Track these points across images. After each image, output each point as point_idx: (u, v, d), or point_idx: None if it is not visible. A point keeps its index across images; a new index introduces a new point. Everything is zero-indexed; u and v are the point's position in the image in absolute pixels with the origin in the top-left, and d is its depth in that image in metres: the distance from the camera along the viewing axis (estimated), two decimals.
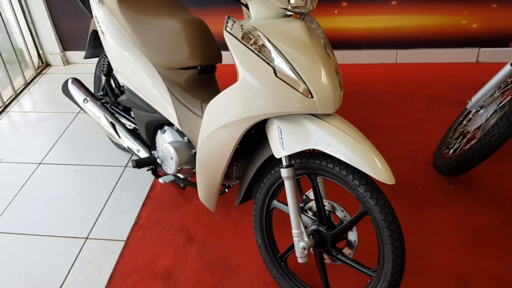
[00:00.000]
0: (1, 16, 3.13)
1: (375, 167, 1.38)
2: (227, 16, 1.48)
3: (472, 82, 2.91)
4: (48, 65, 3.56)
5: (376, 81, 3.06)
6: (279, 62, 1.40)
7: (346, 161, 1.40)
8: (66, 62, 3.55)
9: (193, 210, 2.17)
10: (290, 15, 1.48)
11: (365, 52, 3.21)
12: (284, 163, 1.53)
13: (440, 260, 1.85)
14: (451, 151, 2.19)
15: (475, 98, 2.11)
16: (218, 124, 1.60)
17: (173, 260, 1.94)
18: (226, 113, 1.56)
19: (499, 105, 2.00)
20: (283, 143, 1.50)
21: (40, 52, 3.49)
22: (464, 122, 2.26)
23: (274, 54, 1.40)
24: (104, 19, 2.09)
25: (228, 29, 1.46)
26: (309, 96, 1.40)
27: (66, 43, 3.48)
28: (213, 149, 1.68)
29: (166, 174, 1.99)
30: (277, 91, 1.41)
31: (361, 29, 3.13)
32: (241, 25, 1.44)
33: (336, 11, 3.07)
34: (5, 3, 3.22)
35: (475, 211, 2.06)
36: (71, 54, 3.52)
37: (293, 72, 1.39)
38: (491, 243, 1.91)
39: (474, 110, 2.16)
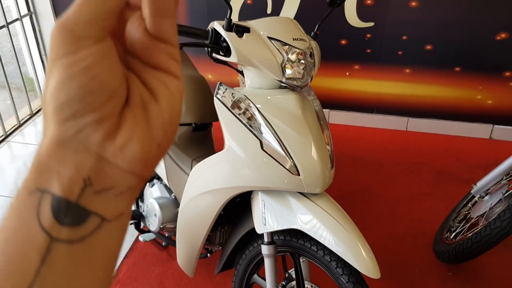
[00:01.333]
0: (13, 45, 3.16)
1: (360, 257, 1.28)
2: (219, 82, 1.44)
3: (483, 159, 2.81)
4: None
5: (384, 147, 2.97)
6: (267, 135, 1.34)
7: (329, 247, 1.31)
8: None
9: (175, 269, 2.07)
10: (285, 87, 1.43)
11: (375, 116, 3.14)
12: (265, 239, 1.45)
13: None
14: (453, 235, 2.07)
15: (480, 184, 2.00)
16: (202, 190, 1.53)
17: None
18: (211, 179, 1.49)
19: (505, 194, 1.89)
20: (265, 218, 1.42)
21: None
22: (469, 205, 2.14)
23: (263, 127, 1.34)
24: None
25: (219, 96, 1.41)
26: (296, 174, 1.32)
27: None
28: (195, 213, 1.60)
29: (149, 229, 1.91)
30: (263, 165, 1.34)
31: (372, 93, 3.07)
32: (232, 93, 1.39)
33: (347, 73, 3.03)
34: (19, 32, 3.26)
35: None
36: None
37: (281, 147, 1.32)
38: None
39: (479, 196, 2.05)
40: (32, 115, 3.31)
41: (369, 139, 3.07)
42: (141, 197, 2.02)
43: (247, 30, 1.34)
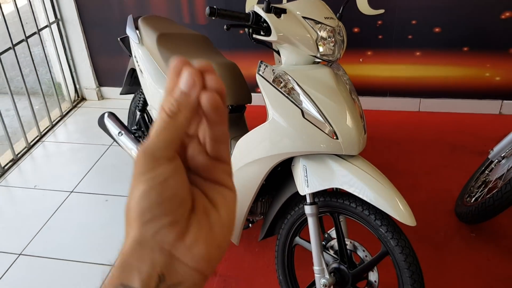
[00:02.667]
0: (44, 51, 3.34)
1: (397, 208, 1.43)
2: (260, 61, 1.60)
3: (494, 133, 2.95)
4: (83, 99, 3.74)
5: (399, 128, 3.13)
6: (307, 104, 1.49)
7: (368, 201, 1.46)
8: (101, 97, 3.72)
9: None
10: (318, 62, 1.58)
11: (389, 99, 3.30)
12: (308, 200, 1.60)
13: None
14: (473, 199, 2.21)
15: (497, 148, 2.15)
16: (246, 161, 1.69)
17: None
18: (255, 150, 1.65)
19: None
20: (307, 181, 1.57)
21: (77, 86, 3.68)
22: (486, 172, 2.29)
23: (302, 97, 1.50)
24: (143, 58, 2.24)
25: (260, 72, 1.57)
26: (334, 137, 1.48)
27: (102, 79, 3.67)
28: (240, 184, 1.75)
29: None
30: (304, 131, 1.50)
31: (385, 77, 3.23)
32: (273, 70, 1.55)
33: (361, 60, 3.19)
34: (47, 39, 3.44)
35: (496, 260, 2.07)
36: (105, 90, 3.70)
37: (320, 114, 1.48)
38: None
39: (496, 160, 2.20)
40: (62, 117, 3.48)
41: (384, 121, 3.22)
42: None
43: (284, 11, 1.51)
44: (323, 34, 1.53)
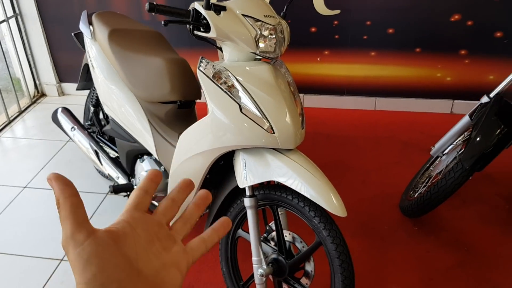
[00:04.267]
0: (1, 46, 3.31)
1: (329, 200, 1.49)
2: (201, 56, 1.64)
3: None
4: (43, 95, 3.71)
5: (354, 125, 3.21)
6: (245, 100, 1.54)
7: (302, 193, 1.51)
8: (61, 93, 3.71)
9: None
10: (260, 59, 1.63)
11: (346, 98, 3.38)
12: (247, 193, 1.65)
13: None
14: (416, 194, 2.30)
15: (437, 145, 2.24)
16: (189, 154, 1.72)
17: None
18: (196, 144, 1.69)
19: (459, 152, 2.13)
20: (246, 174, 1.62)
21: (37, 82, 3.65)
22: (431, 168, 2.38)
23: (241, 93, 1.55)
24: (96, 54, 2.25)
25: (201, 68, 1.61)
26: (272, 132, 1.53)
27: (62, 75, 3.65)
28: (185, 177, 1.78)
29: None
30: (242, 126, 1.54)
31: (342, 76, 3.31)
32: (213, 65, 1.59)
33: (318, 59, 3.26)
34: (6, 34, 3.41)
35: (435, 251, 2.15)
36: (66, 86, 3.69)
37: (257, 109, 1.53)
38: (447, 283, 2.00)
39: (437, 156, 2.29)
40: (21, 112, 3.46)
41: (341, 119, 3.30)
42: (132, 173, 2.21)
43: (223, 8, 1.55)
44: (264, 32, 1.57)
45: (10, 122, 3.34)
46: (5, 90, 3.52)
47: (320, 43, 3.22)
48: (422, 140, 2.99)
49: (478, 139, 1.93)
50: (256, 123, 1.53)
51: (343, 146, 2.99)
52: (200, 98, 2.07)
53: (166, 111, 2.03)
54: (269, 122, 1.53)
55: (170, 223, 0.51)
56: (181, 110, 2.04)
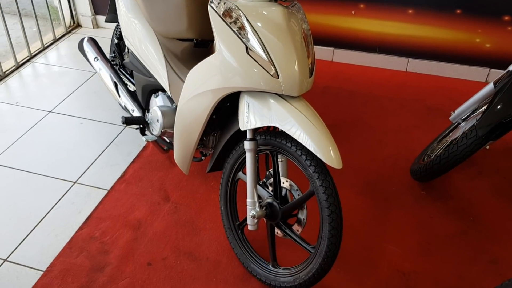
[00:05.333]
0: None
1: (325, 151, 1.48)
2: None
3: None
4: (79, 25, 3.78)
5: (381, 85, 3.13)
6: (253, 42, 1.52)
7: (299, 141, 1.51)
8: (96, 25, 3.76)
9: (175, 173, 2.32)
10: (276, 1, 1.59)
11: (377, 56, 3.28)
12: (248, 136, 1.65)
13: (390, 256, 1.94)
14: (429, 159, 2.25)
15: (457, 111, 2.17)
16: (195, 92, 1.74)
17: (145, 214, 2.09)
18: (203, 82, 1.70)
19: (478, 120, 2.05)
20: (248, 117, 1.62)
21: (73, 12, 3.71)
22: (450, 134, 2.31)
23: (250, 35, 1.52)
24: None
25: (212, 4, 1.59)
26: (277, 77, 1.51)
27: (98, 7, 3.69)
28: (190, 114, 1.81)
29: (152, 134, 2.15)
30: (247, 67, 1.53)
31: (376, 33, 3.19)
32: (225, 3, 1.57)
33: (353, 12, 3.15)
34: None
35: (439, 218, 2.13)
36: (101, 18, 3.73)
37: (264, 53, 1.51)
38: (445, 249, 1.98)
39: (457, 122, 2.22)
40: (55, 41, 3.54)
41: (369, 77, 3.22)
42: (147, 107, 2.25)
43: None
44: None
45: (44, 49, 3.43)
46: (42, 18, 3.59)
47: None
48: (448, 107, 2.88)
49: (498, 107, 1.85)
50: (262, 67, 1.51)
51: (366, 104, 2.93)
52: None
53: (182, 48, 2.03)
54: (275, 67, 1.51)
55: None
56: (197, 49, 2.05)
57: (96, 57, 2.50)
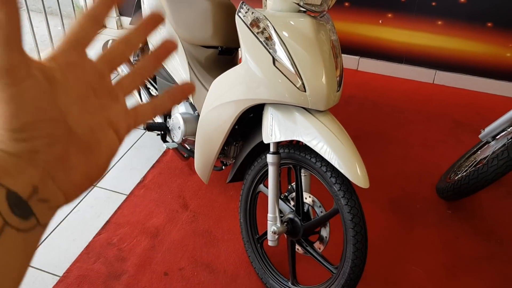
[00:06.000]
0: None
1: (352, 169, 1.43)
2: (242, 1, 1.58)
3: None
4: (103, 26, 3.78)
5: (407, 97, 3.05)
6: (280, 53, 1.48)
7: (325, 157, 1.46)
8: (120, 26, 3.76)
9: (194, 181, 2.29)
10: (304, 11, 1.55)
11: (404, 66, 3.20)
12: (271, 149, 1.62)
13: (413, 277, 1.88)
14: (457, 177, 2.18)
15: (488, 129, 2.09)
16: (218, 102, 1.70)
17: (164, 221, 2.07)
18: (228, 92, 1.66)
19: (509, 140, 1.98)
20: (273, 130, 1.58)
21: None
22: (478, 152, 2.24)
23: (277, 46, 1.49)
24: None
25: (240, 14, 1.55)
26: (303, 90, 1.47)
27: (123, 9, 3.69)
28: (212, 124, 1.78)
29: (173, 141, 2.12)
30: (273, 79, 1.50)
31: (403, 43, 3.12)
32: (253, 12, 1.53)
33: (380, 21, 3.08)
34: None
35: (465, 239, 2.05)
36: (125, 20, 3.73)
37: (292, 65, 1.47)
38: (471, 272, 1.91)
39: (486, 141, 2.14)
40: None
41: (395, 88, 3.15)
42: (169, 113, 2.22)
43: None
44: None
45: None
46: (67, 17, 3.60)
47: (384, 5, 3.03)
48: (476, 122, 2.80)
49: None
50: (288, 79, 1.48)
51: (391, 116, 2.86)
52: None
53: (206, 56, 2.01)
54: (302, 80, 1.47)
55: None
56: (222, 56, 2.01)
57: None
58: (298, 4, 1.50)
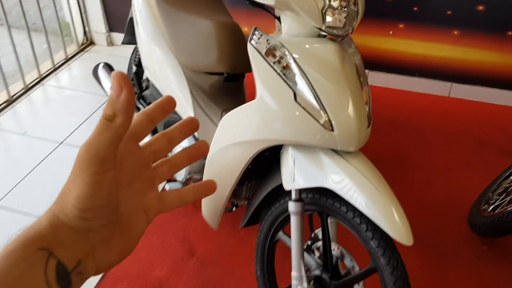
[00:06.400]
0: None
1: (392, 222, 1.21)
2: (254, 27, 1.35)
3: None
4: (92, 43, 3.53)
5: (423, 113, 2.84)
6: (302, 86, 1.26)
7: (360, 209, 1.24)
8: (110, 43, 3.51)
9: (200, 220, 2.04)
10: (325, 36, 1.33)
11: (417, 80, 2.99)
12: (293, 196, 1.39)
13: None
14: (491, 207, 1.96)
15: None
16: (230, 141, 1.47)
17: (168, 272, 1.83)
18: (240, 130, 1.43)
19: None
20: (294, 174, 1.36)
21: (86, 29, 3.46)
22: (511, 178, 2.02)
23: (298, 77, 1.26)
24: (141, 8, 2.01)
25: (253, 42, 1.32)
26: (330, 129, 1.24)
27: (113, 24, 3.44)
28: (222, 165, 1.55)
29: (175, 179, 1.88)
30: (295, 117, 1.27)
31: (416, 55, 2.91)
32: (267, 40, 1.30)
33: (391, 32, 2.87)
34: None
35: (505, 279, 1.83)
36: (116, 36, 3.48)
37: (316, 99, 1.24)
38: None
39: None
40: (67, 60, 3.30)
41: (408, 103, 2.93)
42: None
43: None
44: (333, 3, 1.26)
45: (55, 69, 3.19)
46: (53, 34, 3.34)
47: (395, 15, 2.82)
48: (501, 140, 2.59)
49: None
50: (313, 117, 1.25)
51: (407, 136, 2.64)
52: (250, 71, 1.79)
53: (210, 83, 1.77)
54: (328, 117, 1.24)
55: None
56: (228, 83, 1.78)
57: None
58: (319, 28, 1.28)
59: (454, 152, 2.51)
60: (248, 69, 1.75)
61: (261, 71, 1.31)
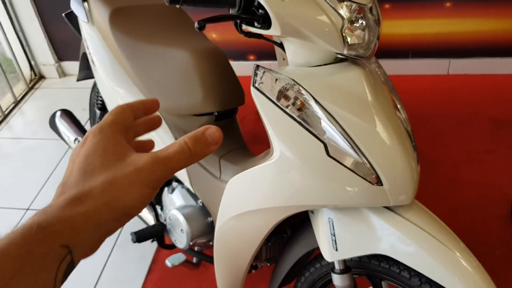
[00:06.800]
0: None
1: (467, 282, 0.95)
2: (255, 65, 1.03)
3: None
4: (42, 77, 3.11)
5: (426, 98, 2.57)
6: (332, 134, 0.95)
7: (430, 277, 0.96)
8: (62, 73, 3.10)
9: (210, 281, 1.74)
10: (342, 59, 1.02)
11: (411, 61, 2.72)
12: (337, 266, 1.09)
13: None
14: None
15: None
16: (244, 208, 1.16)
17: None
18: (255, 196, 1.12)
19: None
20: (336, 241, 1.06)
21: (32, 63, 3.04)
22: None
23: (324, 123, 0.95)
24: (95, 44, 1.65)
25: (257, 84, 1.00)
26: (377, 182, 0.95)
27: (61, 53, 3.03)
28: (237, 235, 1.24)
29: (174, 245, 1.56)
30: (330, 176, 0.97)
31: (407, 35, 2.64)
32: (276, 79, 0.99)
33: None
34: None
35: None
36: (67, 65, 3.08)
37: (352, 148, 0.94)
38: None
39: None
40: (17, 103, 2.89)
41: (407, 89, 2.65)
42: (159, 203, 1.66)
43: None
44: (348, 15, 0.95)
45: (5, 116, 2.78)
46: None
47: None
48: None
49: None
50: (354, 172, 0.94)
51: (415, 128, 2.35)
52: (243, 103, 1.46)
53: (199, 126, 1.44)
54: (372, 167, 0.94)
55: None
56: (220, 122, 1.46)
57: (76, 138, 1.89)
58: (340, 54, 0.97)
59: (471, 140, 2.25)
60: (241, 101, 1.44)
61: (274, 121, 0.99)
